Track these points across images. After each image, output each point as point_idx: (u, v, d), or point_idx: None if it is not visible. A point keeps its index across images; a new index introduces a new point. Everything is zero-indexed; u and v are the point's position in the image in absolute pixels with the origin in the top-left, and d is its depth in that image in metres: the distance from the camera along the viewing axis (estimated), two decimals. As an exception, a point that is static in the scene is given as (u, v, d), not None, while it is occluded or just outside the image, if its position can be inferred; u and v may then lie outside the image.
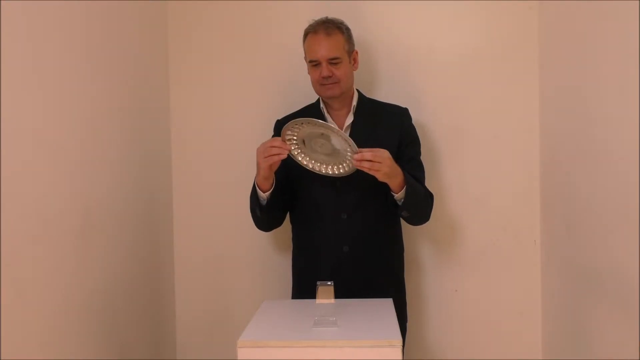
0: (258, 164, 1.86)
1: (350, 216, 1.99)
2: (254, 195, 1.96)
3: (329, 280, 1.80)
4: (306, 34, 2.01)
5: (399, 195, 1.88)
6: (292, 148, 1.85)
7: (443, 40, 2.36)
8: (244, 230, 2.28)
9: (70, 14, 1.68)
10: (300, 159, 1.88)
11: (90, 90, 1.78)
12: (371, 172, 1.79)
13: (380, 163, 1.78)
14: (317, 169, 1.89)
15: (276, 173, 1.92)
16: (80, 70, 1.73)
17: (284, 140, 1.82)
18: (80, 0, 1.73)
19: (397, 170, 1.85)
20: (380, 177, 1.81)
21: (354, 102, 2.05)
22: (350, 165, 1.83)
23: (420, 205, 1.98)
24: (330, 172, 1.89)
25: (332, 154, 1.86)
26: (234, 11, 2.40)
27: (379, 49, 2.36)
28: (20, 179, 1.42)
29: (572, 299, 2.05)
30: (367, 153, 1.78)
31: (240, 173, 2.37)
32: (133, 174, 2.09)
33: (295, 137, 1.84)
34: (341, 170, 1.88)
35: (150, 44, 2.31)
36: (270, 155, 1.81)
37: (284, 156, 1.81)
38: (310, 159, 1.89)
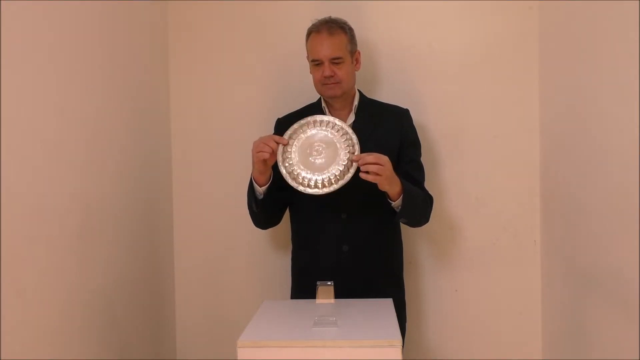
0: (252, 157, 1.86)
1: (350, 216, 1.99)
2: (250, 190, 1.96)
3: (329, 280, 1.80)
4: (309, 33, 2.01)
5: (396, 203, 1.88)
6: (283, 158, 1.83)
7: (443, 40, 2.36)
8: (244, 230, 2.28)
9: (70, 14, 1.68)
10: (283, 170, 1.82)
11: (90, 90, 1.78)
12: (376, 180, 1.77)
13: (383, 166, 1.77)
14: (300, 188, 1.82)
15: (275, 170, 1.92)
16: (80, 70, 1.73)
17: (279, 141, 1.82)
18: (80, 1, 1.73)
19: (395, 177, 1.85)
20: (382, 182, 1.79)
21: (355, 102, 2.06)
22: (343, 175, 1.80)
23: (418, 211, 1.98)
24: (312, 191, 1.81)
25: (329, 159, 1.83)
26: (234, 11, 2.40)
27: (378, 49, 2.36)
28: (20, 179, 1.42)
29: (572, 299, 2.05)
30: (369, 156, 1.77)
31: (240, 173, 2.37)
32: (133, 174, 2.09)
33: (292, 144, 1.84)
34: (330, 188, 1.81)
35: (150, 44, 2.31)
36: (261, 151, 1.81)
37: (274, 156, 1.83)
38: (303, 168, 1.84)
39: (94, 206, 1.78)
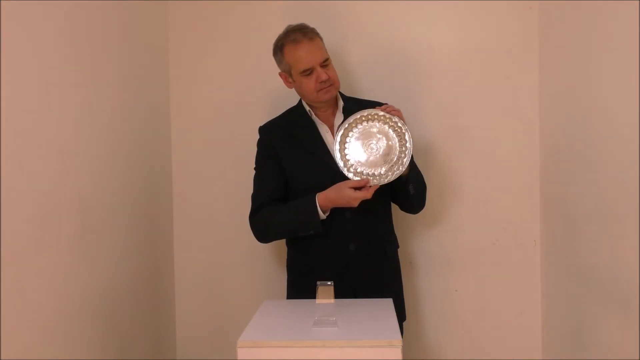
0: (350, 202, 1.86)
1: (353, 214, 1.99)
2: (302, 218, 1.94)
3: (336, 280, 1.79)
4: (283, 45, 1.98)
5: (405, 172, 1.90)
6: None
7: (443, 40, 2.36)
8: (244, 231, 2.27)
9: (70, 13, 1.68)
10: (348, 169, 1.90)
11: (90, 90, 1.79)
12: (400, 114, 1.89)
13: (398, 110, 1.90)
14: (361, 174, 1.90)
15: (274, 180, 1.99)
16: (80, 70, 1.73)
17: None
18: (81, 0, 1.73)
19: None
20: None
21: (341, 102, 2.06)
22: (394, 169, 1.87)
23: (421, 183, 2.02)
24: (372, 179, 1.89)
25: (383, 154, 1.89)
26: (234, 11, 2.40)
27: (378, 50, 2.36)
28: (20, 179, 1.42)
29: (572, 299, 2.05)
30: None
31: (240, 173, 2.37)
32: (133, 174, 2.09)
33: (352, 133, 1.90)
34: (385, 178, 1.88)
35: (150, 44, 2.31)
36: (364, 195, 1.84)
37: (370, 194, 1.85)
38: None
39: (94, 206, 1.79)
